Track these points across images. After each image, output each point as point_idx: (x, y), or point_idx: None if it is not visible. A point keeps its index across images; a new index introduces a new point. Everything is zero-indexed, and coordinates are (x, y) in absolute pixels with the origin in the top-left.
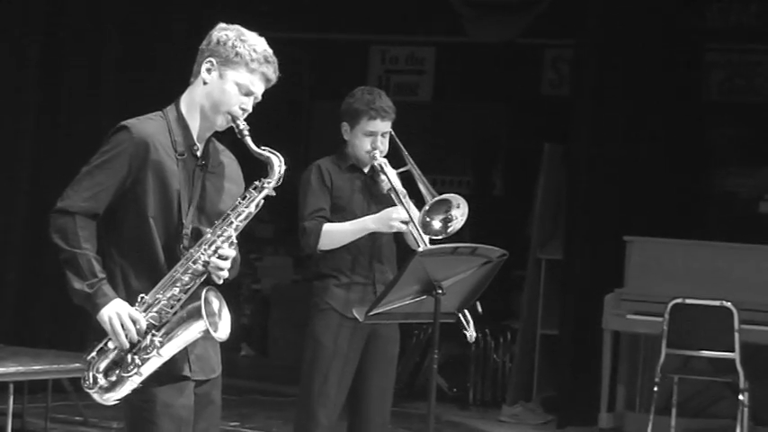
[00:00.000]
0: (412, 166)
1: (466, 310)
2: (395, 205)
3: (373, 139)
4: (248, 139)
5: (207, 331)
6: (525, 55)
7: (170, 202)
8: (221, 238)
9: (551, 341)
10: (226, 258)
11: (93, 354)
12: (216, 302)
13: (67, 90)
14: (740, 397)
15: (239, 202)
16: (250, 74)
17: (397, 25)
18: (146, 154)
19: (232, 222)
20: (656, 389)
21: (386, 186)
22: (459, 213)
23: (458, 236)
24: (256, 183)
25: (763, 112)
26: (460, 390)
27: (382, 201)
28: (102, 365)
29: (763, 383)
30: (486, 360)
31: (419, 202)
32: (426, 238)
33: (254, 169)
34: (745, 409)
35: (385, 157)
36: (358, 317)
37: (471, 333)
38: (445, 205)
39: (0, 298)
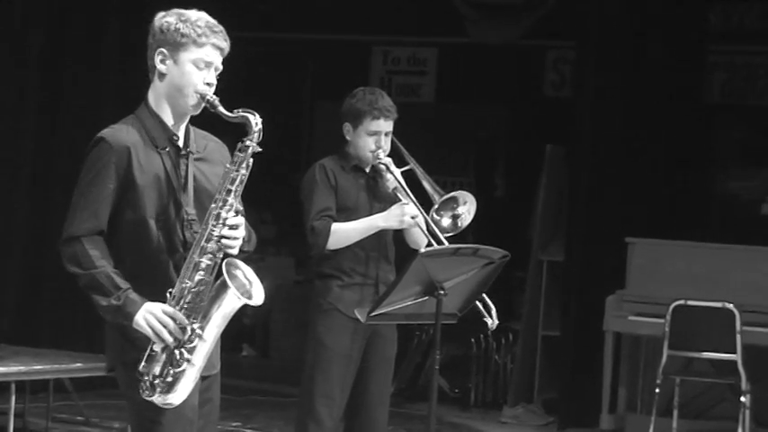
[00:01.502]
0: (414, 164)
1: (486, 297)
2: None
3: (377, 138)
4: (221, 109)
5: (241, 302)
6: (527, 56)
7: (164, 199)
8: (225, 209)
9: (553, 342)
10: (236, 227)
11: (143, 363)
12: (239, 272)
13: (68, 90)
14: (742, 399)
15: (228, 168)
16: (200, 48)
17: (399, 26)
18: (129, 159)
19: (229, 190)
20: (657, 390)
21: (391, 185)
22: (466, 209)
23: (460, 237)
24: (239, 144)
25: (765, 114)
26: (462, 391)
27: (385, 200)
28: (157, 370)
29: (764, 385)
30: (487, 361)
31: (423, 200)
32: (436, 230)
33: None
34: (747, 411)
35: (387, 156)
36: (360, 317)
37: (493, 321)
38: (452, 202)
39: (1, 298)
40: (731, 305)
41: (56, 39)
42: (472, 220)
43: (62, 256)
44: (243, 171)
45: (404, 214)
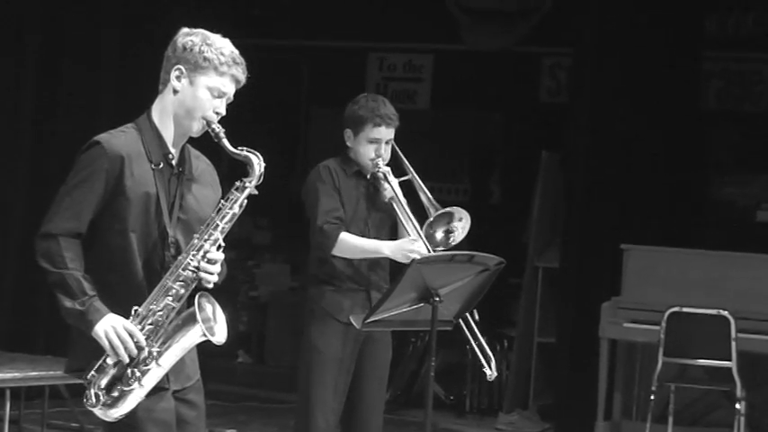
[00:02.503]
0: (413, 175)
1: (487, 347)
2: (394, 213)
3: (377, 146)
4: (225, 142)
5: (204, 337)
6: (523, 63)
7: (149, 214)
8: (209, 242)
9: (548, 349)
10: (215, 262)
11: (93, 372)
12: (209, 307)
13: (65, 90)
14: (737, 405)
15: (222, 204)
16: (220, 77)
17: (395, 33)
18: (121, 168)
19: (218, 225)
20: (652, 397)
21: (388, 195)
22: (461, 225)
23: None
24: (238, 183)
25: (760, 121)
26: (457, 398)
27: (382, 208)
28: (104, 382)
29: (759, 392)
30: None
31: (419, 210)
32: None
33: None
34: (742, 418)
35: (387, 165)
36: (355, 324)
37: (493, 372)
38: (447, 218)
39: None
40: (726, 312)
41: (54, 37)
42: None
43: (36, 248)
44: (236, 210)
45: (412, 252)
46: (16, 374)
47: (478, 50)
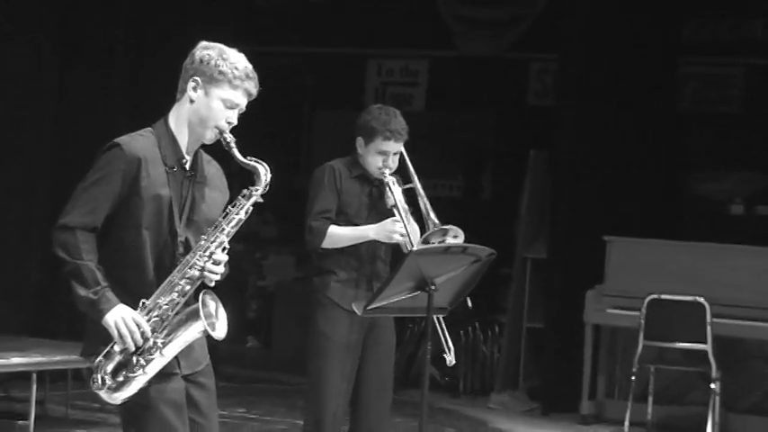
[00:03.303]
0: (416, 184)
1: (448, 337)
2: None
3: (385, 158)
4: (235, 151)
5: (205, 332)
6: (512, 67)
7: (162, 214)
8: (215, 244)
9: (536, 334)
10: (219, 263)
11: (100, 357)
12: (212, 304)
13: (83, 84)
14: (712, 386)
15: (230, 210)
16: (233, 90)
17: (392, 40)
18: (138, 169)
19: (224, 229)
20: (633, 378)
21: (390, 202)
22: (455, 241)
23: None
24: (245, 191)
25: (733, 122)
26: (452, 379)
27: (383, 212)
28: (110, 368)
29: (733, 373)
30: (475, 351)
31: (417, 217)
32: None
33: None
34: (717, 397)
35: (393, 173)
36: (357, 311)
37: (451, 359)
38: (443, 233)
39: (23, 293)
40: (702, 299)
41: (71, 32)
42: (460, 222)
43: (53, 239)
44: (241, 215)
45: (393, 231)
46: (41, 359)
47: (470, 56)
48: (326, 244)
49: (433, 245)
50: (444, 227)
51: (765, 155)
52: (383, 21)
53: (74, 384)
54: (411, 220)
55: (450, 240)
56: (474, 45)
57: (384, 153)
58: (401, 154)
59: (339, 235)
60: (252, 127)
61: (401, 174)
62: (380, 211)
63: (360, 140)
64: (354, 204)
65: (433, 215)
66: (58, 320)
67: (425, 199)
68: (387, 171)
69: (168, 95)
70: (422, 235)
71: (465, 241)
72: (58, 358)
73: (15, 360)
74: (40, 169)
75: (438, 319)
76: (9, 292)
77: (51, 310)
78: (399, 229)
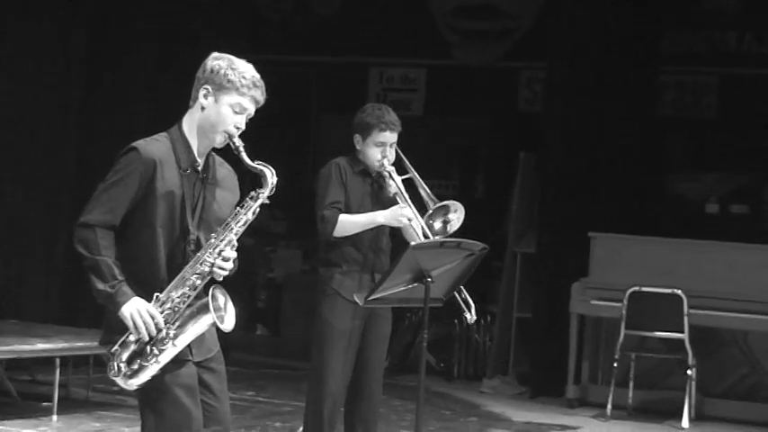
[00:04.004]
0: (413, 174)
1: (468, 296)
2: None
3: (383, 149)
4: (243, 155)
5: (214, 324)
6: (503, 76)
7: (175, 213)
8: (224, 242)
9: (526, 323)
10: (228, 260)
11: (116, 347)
12: (222, 298)
13: (109, 72)
14: (689, 372)
15: (238, 210)
16: (241, 97)
17: (392, 50)
18: (154, 171)
19: (233, 228)
20: (615, 365)
21: (392, 191)
22: (456, 217)
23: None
24: (252, 193)
25: (709, 127)
26: (446, 365)
27: (385, 203)
28: (125, 356)
29: (708, 360)
30: (468, 339)
31: (419, 204)
32: (428, 231)
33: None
34: (693, 383)
35: (391, 165)
36: (358, 301)
37: (472, 316)
38: (444, 210)
39: (49, 282)
40: (680, 291)
41: (99, 24)
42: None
43: (74, 235)
44: (249, 216)
45: (402, 215)
46: (65, 345)
47: (465, 65)
48: (338, 232)
49: (430, 240)
50: (443, 203)
51: (739, 157)
52: (384, 32)
53: (95, 369)
54: (412, 206)
55: (451, 215)
56: (469, 55)
57: (382, 144)
58: (396, 151)
59: (349, 221)
60: (262, 130)
61: (397, 168)
62: (383, 202)
63: (357, 137)
64: (358, 199)
65: (433, 197)
66: (81, 310)
67: (424, 185)
68: (386, 162)
69: (182, 99)
70: (423, 216)
71: (459, 237)
72: (80, 344)
73: (40, 346)
74: (65, 169)
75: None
76: (36, 283)
77: (75, 300)
78: (408, 213)
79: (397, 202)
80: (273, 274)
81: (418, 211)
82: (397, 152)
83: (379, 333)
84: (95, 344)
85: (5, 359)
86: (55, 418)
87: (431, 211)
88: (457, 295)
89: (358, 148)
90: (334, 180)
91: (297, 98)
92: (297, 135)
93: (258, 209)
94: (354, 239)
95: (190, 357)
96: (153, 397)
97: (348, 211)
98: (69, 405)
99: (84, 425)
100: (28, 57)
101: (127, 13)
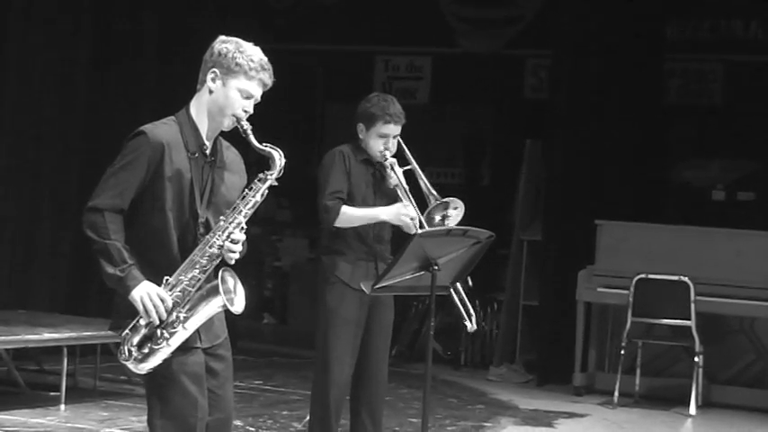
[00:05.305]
0: (414, 166)
1: (469, 305)
2: (398, 198)
3: (385, 140)
4: (251, 138)
5: (224, 306)
6: (509, 63)
7: (184, 196)
8: (233, 225)
9: (532, 311)
10: (237, 242)
11: (127, 331)
12: (231, 281)
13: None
14: (695, 359)
15: (246, 193)
16: (249, 81)
17: (398, 38)
18: (162, 155)
19: (241, 211)
20: (622, 352)
21: (393, 182)
22: (455, 213)
23: None
24: (260, 175)
25: (714, 114)
26: (454, 353)
27: (386, 193)
28: (136, 340)
29: (715, 347)
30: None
31: (418, 196)
32: (427, 228)
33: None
34: (700, 370)
35: (393, 156)
36: (365, 290)
37: (472, 325)
38: (444, 206)
39: (56, 272)
40: (686, 278)
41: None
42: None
43: (83, 220)
44: (258, 198)
45: (404, 214)
46: (72, 334)
47: (471, 53)
48: (340, 222)
49: (437, 228)
50: (445, 200)
51: (744, 145)
52: (390, 20)
53: (102, 358)
54: (411, 198)
55: (451, 211)
56: (474, 43)
57: (384, 136)
58: (398, 142)
59: (352, 215)
60: (269, 119)
61: (399, 159)
62: (384, 192)
63: (360, 126)
64: (362, 187)
65: (433, 191)
66: (89, 299)
67: (424, 178)
68: (387, 153)
69: (190, 87)
70: (423, 211)
71: (465, 224)
72: (87, 333)
73: (48, 335)
74: (73, 155)
75: (457, 289)
76: (43, 272)
77: (82, 290)
78: (411, 212)
79: (398, 196)
80: (280, 263)
81: (417, 203)
82: (399, 144)
83: (383, 320)
84: (102, 333)
85: (13, 349)
86: (62, 407)
87: (431, 207)
88: (458, 303)
89: (361, 137)
90: (338, 168)
91: (303, 87)
92: (303, 124)
93: (267, 191)
94: (358, 228)
95: (198, 344)
96: (160, 384)
97: (350, 199)
98: (77, 394)
99: (92, 414)
100: (35, 55)
101: (133, 3)
